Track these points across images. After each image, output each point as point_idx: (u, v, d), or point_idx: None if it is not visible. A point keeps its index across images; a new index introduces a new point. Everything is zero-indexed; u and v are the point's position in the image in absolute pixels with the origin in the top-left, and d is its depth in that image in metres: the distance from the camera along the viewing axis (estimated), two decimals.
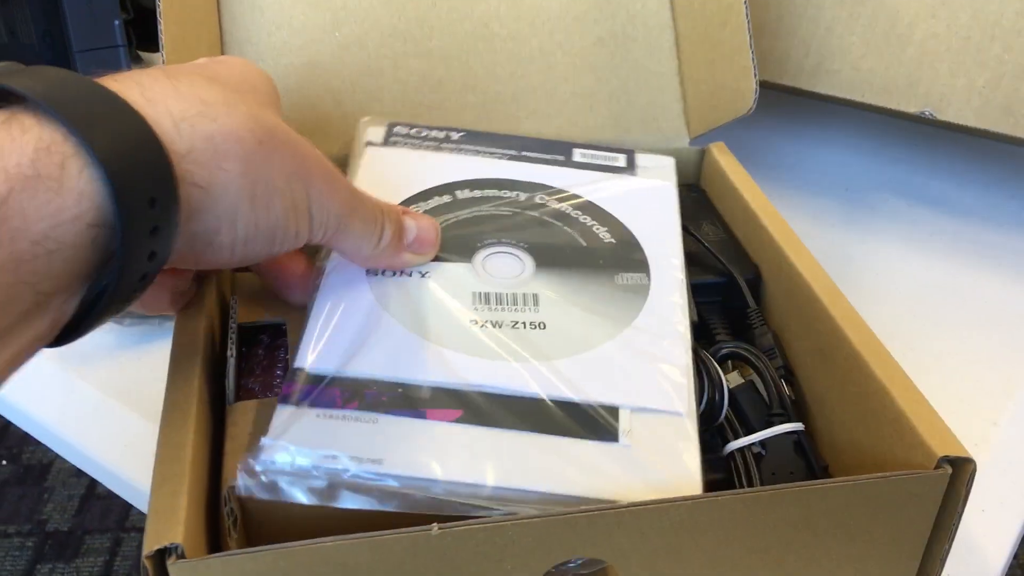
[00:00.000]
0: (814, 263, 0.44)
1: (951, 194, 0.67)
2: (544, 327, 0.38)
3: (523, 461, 0.33)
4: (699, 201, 0.54)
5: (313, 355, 0.36)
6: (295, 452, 0.33)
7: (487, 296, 0.39)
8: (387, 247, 0.37)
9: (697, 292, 0.47)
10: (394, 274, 0.39)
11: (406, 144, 0.46)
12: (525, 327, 0.38)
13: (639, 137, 0.51)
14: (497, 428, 0.34)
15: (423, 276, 0.39)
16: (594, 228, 0.43)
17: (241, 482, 0.32)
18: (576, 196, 0.44)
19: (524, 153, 0.46)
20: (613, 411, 0.35)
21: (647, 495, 0.33)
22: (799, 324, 0.44)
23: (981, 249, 0.62)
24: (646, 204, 0.45)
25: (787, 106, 0.72)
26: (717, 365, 0.42)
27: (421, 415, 0.34)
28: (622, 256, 0.42)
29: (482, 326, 0.38)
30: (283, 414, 0.34)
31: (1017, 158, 0.70)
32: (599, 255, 0.41)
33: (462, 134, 0.47)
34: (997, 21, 0.56)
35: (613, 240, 0.42)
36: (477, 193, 0.44)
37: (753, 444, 0.41)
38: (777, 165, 0.70)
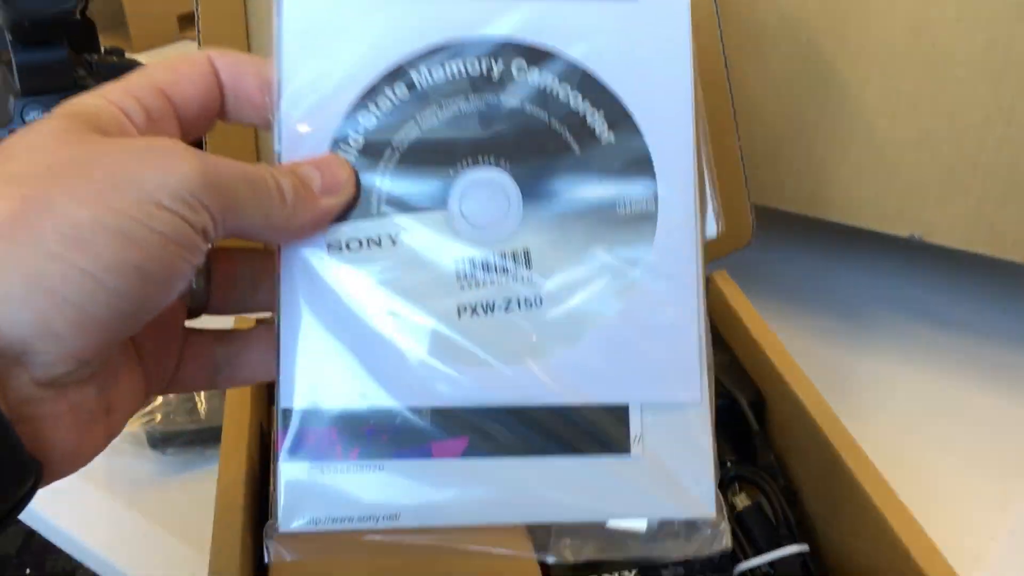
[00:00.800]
0: (813, 390, 0.47)
1: (946, 309, 0.71)
2: (540, 303, 0.33)
3: (535, 494, 0.33)
4: None
5: (297, 388, 0.33)
6: (310, 523, 0.32)
7: (473, 263, 0.33)
8: (298, 201, 0.31)
9: None
10: (361, 246, 0.33)
11: None
12: (520, 306, 0.33)
13: None
14: (505, 457, 0.33)
15: (394, 243, 0.33)
16: (587, 118, 0.34)
17: (271, 549, 0.32)
18: (565, 61, 0.34)
19: None
20: (622, 413, 0.33)
21: (660, 511, 0.33)
22: (800, 448, 0.47)
23: (976, 363, 0.65)
24: (652, 57, 0.35)
25: (785, 225, 0.76)
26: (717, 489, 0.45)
27: (427, 452, 0.33)
28: (625, 166, 0.34)
29: (472, 314, 0.33)
30: (288, 476, 0.32)
31: (1009, 274, 0.74)
32: (598, 170, 0.34)
33: None
34: (978, 152, 0.60)
35: (612, 138, 0.34)
36: (440, 74, 0.34)
37: (762, 565, 0.43)
38: (777, 283, 0.74)
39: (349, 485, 0.32)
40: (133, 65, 0.84)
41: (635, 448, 0.33)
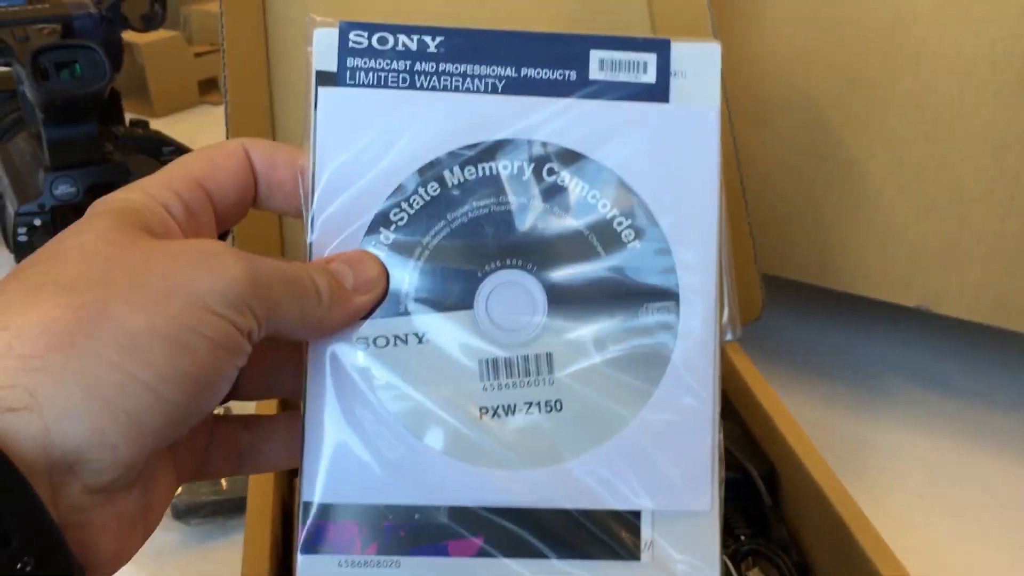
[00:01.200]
0: (823, 464, 0.48)
1: (956, 377, 0.72)
2: (560, 408, 0.34)
3: None
4: None
5: (319, 482, 0.33)
6: None
7: (496, 365, 0.34)
8: (333, 299, 0.31)
9: None
10: (387, 343, 0.34)
11: (369, 77, 0.35)
12: (540, 410, 0.34)
13: None
14: (518, 558, 0.34)
15: (420, 341, 0.34)
16: (615, 222, 0.35)
17: None
18: (596, 164, 0.35)
19: (526, 73, 0.35)
20: (634, 519, 0.34)
21: None
22: (812, 521, 0.48)
23: (986, 432, 0.66)
24: (679, 164, 0.35)
25: (795, 294, 0.78)
26: (731, 564, 0.46)
27: (443, 551, 0.33)
28: (649, 274, 0.35)
29: (493, 415, 0.34)
30: (306, 569, 0.33)
31: (1018, 342, 0.75)
32: (623, 273, 0.35)
33: (440, 40, 0.35)
34: (983, 226, 0.62)
35: (639, 245, 0.35)
36: (470, 172, 0.35)
37: None
38: (787, 351, 0.75)
39: None
40: (157, 137, 0.87)
41: (645, 555, 0.34)
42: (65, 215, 0.75)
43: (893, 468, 0.63)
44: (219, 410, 0.35)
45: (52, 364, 0.24)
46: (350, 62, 0.35)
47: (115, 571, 0.28)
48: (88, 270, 0.26)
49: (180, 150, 0.86)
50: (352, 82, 0.34)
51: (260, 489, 0.47)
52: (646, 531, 0.34)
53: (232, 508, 0.56)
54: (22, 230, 0.73)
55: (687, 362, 0.34)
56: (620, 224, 0.35)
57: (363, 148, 0.34)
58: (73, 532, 0.26)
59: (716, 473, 0.34)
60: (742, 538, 0.49)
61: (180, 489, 0.57)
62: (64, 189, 0.73)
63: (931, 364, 0.73)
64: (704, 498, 0.34)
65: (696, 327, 0.34)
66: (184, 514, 0.56)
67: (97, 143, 0.74)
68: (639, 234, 0.35)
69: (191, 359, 0.26)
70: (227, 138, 0.50)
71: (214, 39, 1.36)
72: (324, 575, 0.33)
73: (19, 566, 0.23)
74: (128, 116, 0.90)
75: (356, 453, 0.33)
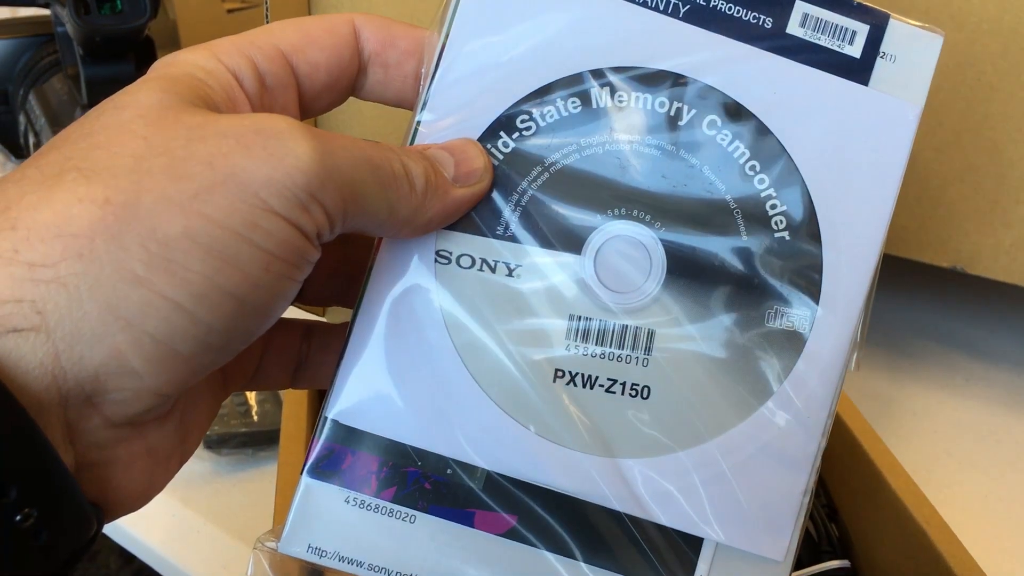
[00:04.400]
0: (855, 410, 0.48)
1: (984, 340, 0.72)
2: (647, 395, 0.29)
3: None
4: None
5: (347, 398, 0.28)
6: (313, 553, 0.28)
7: (588, 327, 0.29)
8: (427, 190, 0.26)
9: None
10: (472, 264, 0.28)
11: None
12: (623, 392, 0.29)
13: None
14: (550, 552, 0.29)
15: (510, 273, 0.29)
16: (769, 205, 0.29)
17: (252, 560, 0.29)
18: (766, 132, 0.29)
19: (715, 5, 0.29)
20: (692, 547, 0.29)
21: None
22: (842, 466, 0.48)
23: (1014, 393, 0.66)
24: (859, 158, 0.30)
25: None
26: None
27: (468, 519, 0.29)
28: (790, 273, 0.29)
29: (569, 382, 0.29)
30: (308, 493, 0.28)
31: None
32: (759, 262, 0.29)
33: None
34: (1020, 186, 0.61)
35: (788, 236, 0.29)
36: (620, 99, 0.29)
37: None
38: None
39: (371, 526, 0.28)
40: None
41: None
42: None
43: (921, 427, 0.63)
44: None
45: (65, 275, 0.20)
46: None
47: (142, 507, 0.25)
48: (120, 153, 0.21)
49: None
50: None
51: (294, 412, 0.48)
52: (703, 565, 0.29)
53: (263, 439, 0.56)
54: None
55: (803, 386, 0.29)
56: (773, 207, 0.29)
57: (506, 37, 0.29)
58: (95, 471, 0.22)
59: (801, 521, 0.29)
60: None
61: None
62: None
63: (959, 327, 0.73)
64: (781, 545, 0.29)
65: (825, 349, 0.29)
66: (216, 444, 0.56)
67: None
68: (791, 224, 0.29)
69: (237, 276, 0.21)
70: None
71: None
72: (325, 508, 0.28)
73: (19, 518, 0.19)
74: None
75: (399, 379, 0.28)
